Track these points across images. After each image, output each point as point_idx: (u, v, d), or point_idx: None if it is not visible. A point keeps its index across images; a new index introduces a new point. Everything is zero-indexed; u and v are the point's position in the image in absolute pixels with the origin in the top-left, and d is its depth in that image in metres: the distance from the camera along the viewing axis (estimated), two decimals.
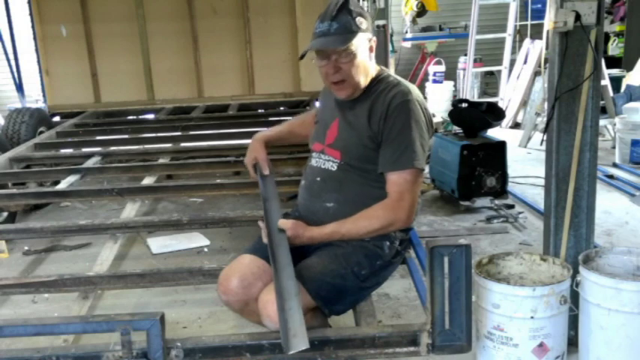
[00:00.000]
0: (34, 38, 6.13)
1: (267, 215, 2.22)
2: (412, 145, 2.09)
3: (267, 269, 2.11)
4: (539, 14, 8.01)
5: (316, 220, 2.20)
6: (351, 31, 2.07)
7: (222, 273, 2.19)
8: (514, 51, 8.22)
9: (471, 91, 8.40)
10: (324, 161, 2.25)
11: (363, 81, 2.17)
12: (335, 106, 2.28)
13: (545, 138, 2.62)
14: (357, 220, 2.11)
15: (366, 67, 2.16)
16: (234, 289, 2.08)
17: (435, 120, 6.55)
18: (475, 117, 4.70)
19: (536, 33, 7.69)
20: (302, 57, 2.19)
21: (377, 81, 2.21)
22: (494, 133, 5.23)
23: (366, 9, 7.71)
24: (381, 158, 2.13)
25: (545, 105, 5.21)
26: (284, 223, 2.12)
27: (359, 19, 2.09)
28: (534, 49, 7.40)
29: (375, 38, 2.21)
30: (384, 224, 2.10)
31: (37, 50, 6.15)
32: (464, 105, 4.94)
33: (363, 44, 2.12)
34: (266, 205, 2.29)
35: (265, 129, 2.67)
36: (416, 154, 2.09)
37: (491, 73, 9.11)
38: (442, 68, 9.00)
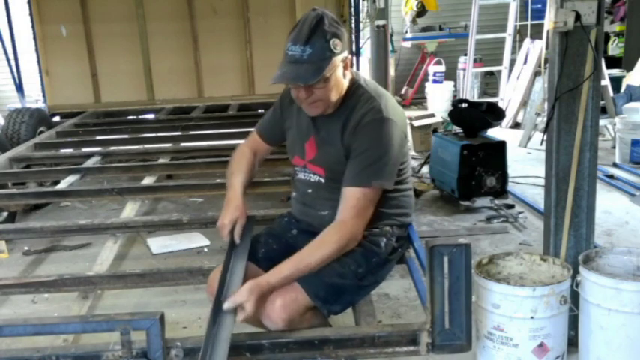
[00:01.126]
0: (34, 38, 6.13)
1: (219, 292, 1.98)
2: (377, 162, 2.03)
3: (255, 270, 2.10)
4: (539, 14, 8.01)
5: (314, 227, 2.19)
6: (324, 58, 1.96)
7: (210, 275, 2.19)
8: (514, 51, 8.21)
9: (471, 91, 8.40)
10: (310, 175, 2.23)
11: (337, 98, 2.09)
12: (308, 120, 2.19)
13: (545, 138, 2.62)
14: (313, 251, 2.00)
15: (339, 86, 2.08)
16: None
17: (435, 120, 6.57)
18: (475, 117, 4.70)
19: (536, 33, 7.69)
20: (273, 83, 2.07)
21: (351, 92, 2.12)
22: (494, 133, 5.23)
23: (365, 9, 7.71)
24: (345, 173, 2.07)
25: (545, 105, 5.20)
26: (238, 295, 1.88)
27: (334, 42, 1.97)
28: (534, 49, 7.39)
29: (350, 56, 2.11)
30: (340, 246, 2.02)
31: (37, 50, 6.15)
32: (464, 105, 4.94)
33: (337, 66, 2.01)
34: (225, 281, 2.02)
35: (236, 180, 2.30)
36: (377, 173, 2.03)
37: (491, 73, 9.11)
38: (442, 68, 9.01)
